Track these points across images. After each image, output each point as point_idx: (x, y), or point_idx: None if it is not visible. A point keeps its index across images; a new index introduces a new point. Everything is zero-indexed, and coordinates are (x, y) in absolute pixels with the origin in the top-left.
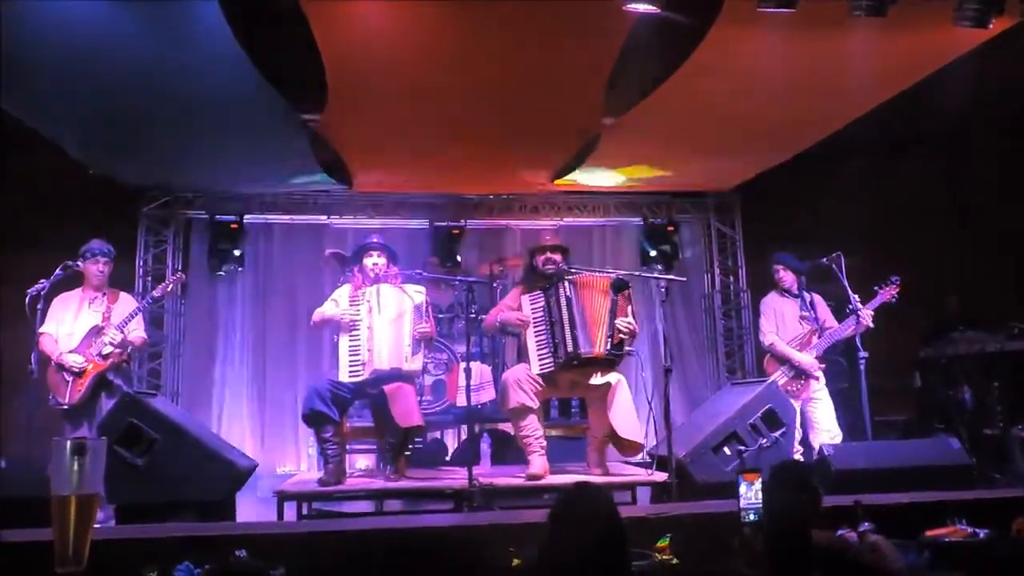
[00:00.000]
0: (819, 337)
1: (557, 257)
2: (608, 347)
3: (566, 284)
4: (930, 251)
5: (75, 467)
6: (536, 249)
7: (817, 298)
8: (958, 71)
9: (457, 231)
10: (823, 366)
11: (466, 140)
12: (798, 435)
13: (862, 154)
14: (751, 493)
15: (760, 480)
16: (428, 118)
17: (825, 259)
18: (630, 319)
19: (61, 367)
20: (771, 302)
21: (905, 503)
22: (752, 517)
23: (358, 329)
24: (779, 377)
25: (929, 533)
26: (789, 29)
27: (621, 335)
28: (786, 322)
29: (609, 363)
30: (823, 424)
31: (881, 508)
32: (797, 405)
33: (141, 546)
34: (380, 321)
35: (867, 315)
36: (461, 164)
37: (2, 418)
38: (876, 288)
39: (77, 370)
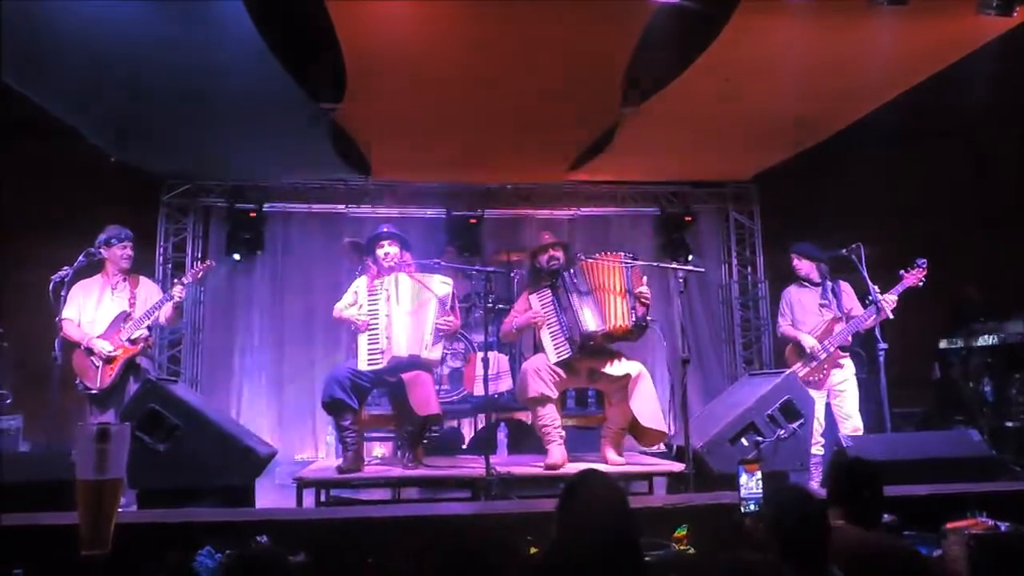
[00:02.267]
0: (842, 325)
1: (559, 254)
2: (634, 319)
3: (571, 272)
4: (951, 241)
5: (99, 452)
6: (537, 249)
7: (844, 286)
8: (981, 59)
9: (474, 220)
10: (846, 355)
11: (484, 129)
12: (820, 428)
13: (883, 142)
14: (752, 483)
15: (760, 471)
16: (446, 107)
17: (844, 250)
18: (645, 288)
19: (91, 351)
20: (788, 293)
21: (925, 495)
22: (752, 507)
23: (377, 319)
24: (799, 368)
25: (949, 525)
26: (809, 18)
27: (645, 303)
28: (805, 312)
29: (631, 334)
30: (848, 416)
31: (901, 500)
32: (822, 396)
33: (163, 531)
34: (398, 310)
35: (891, 300)
36: (479, 153)
37: (25, 403)
38: (902, 272)
39: (107, 356)
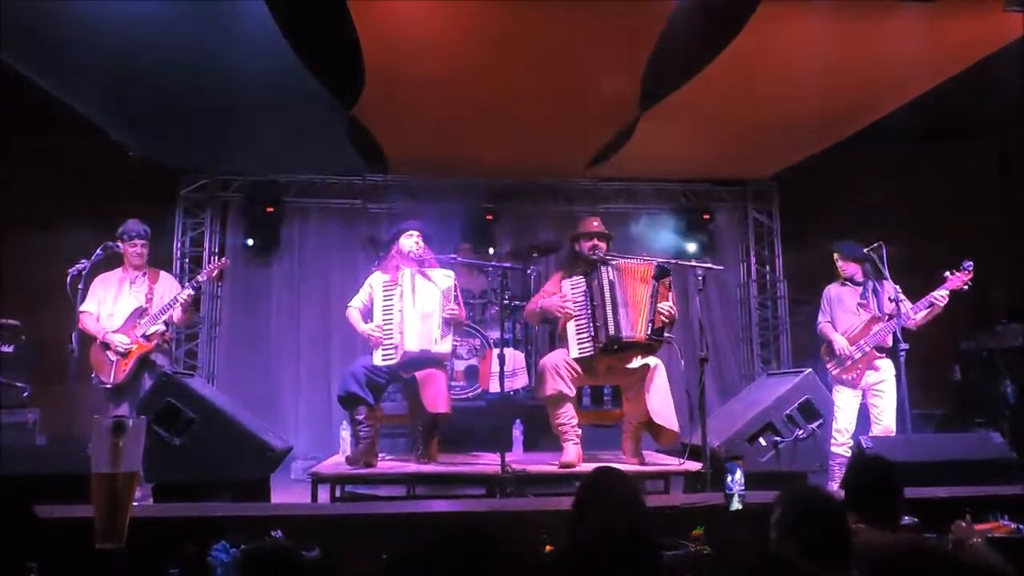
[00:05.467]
0: (880, 325)
1: (602, 244)
2: (649, 331)
3: (609, 268)
4: (973, 241)
5: (115, 446)
6: (581, 235)
7: (888, 286)
8: (1007, 57)
9: (491, 217)
10: (883, 355)
11: (502, 125)
12: (851, 428)
13: (907, 141)
14: (740, 476)
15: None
16: (465, 103)
17: (866, 249)
18: (670, 304)
19: (106, 346)
20: (828, 291)
21: (945, 497)
22: (737, 505)
23: (391, 315)
24: (832, 367)
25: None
26: (834, 14)
27: (663, 319)
28: (844, 310)
29: (648, 348)
30: (880, 419)
31: (921, 502)
32: (857, 395)
33: (179, 525)
34: (411, 305)
35: (942, 296)
36: (497, 149)
37: (43, 397)
38: (946, 274)
39: (122, 351)
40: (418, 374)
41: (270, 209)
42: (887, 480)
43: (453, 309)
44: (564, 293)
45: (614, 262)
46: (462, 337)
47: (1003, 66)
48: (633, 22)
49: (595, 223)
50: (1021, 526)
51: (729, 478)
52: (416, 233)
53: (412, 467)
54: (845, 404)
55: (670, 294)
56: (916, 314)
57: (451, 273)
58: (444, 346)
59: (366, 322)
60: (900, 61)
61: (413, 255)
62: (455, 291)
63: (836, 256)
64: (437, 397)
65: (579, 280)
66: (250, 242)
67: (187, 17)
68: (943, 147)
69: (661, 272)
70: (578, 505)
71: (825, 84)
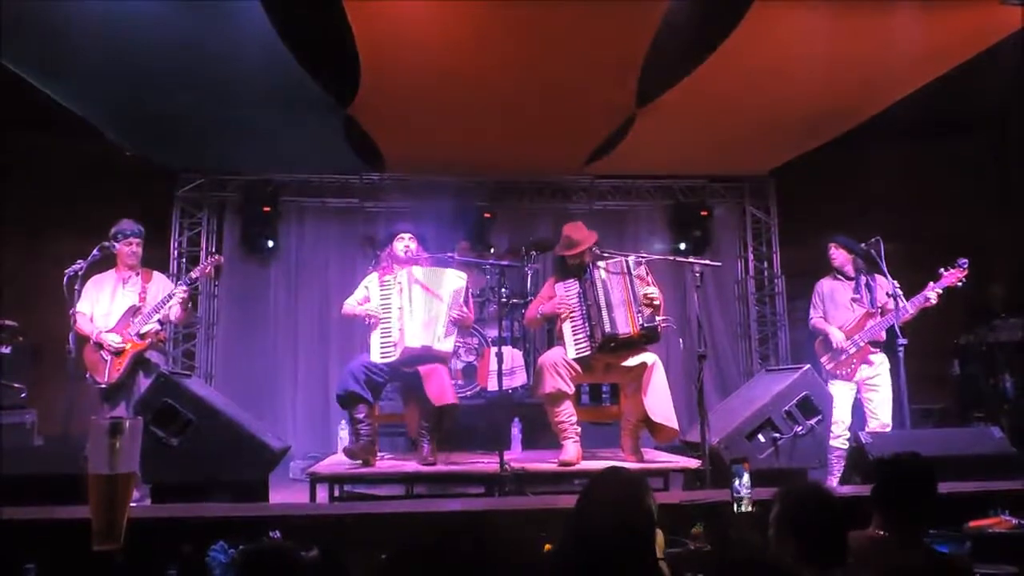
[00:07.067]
0: (874, 320)
1: (584, 254)
2: (640, 323)
3: (599, 268)
4: (971, 236)
5: (112, 446)
6: (566, 256)
7: (880, 281)
8: (1005, 51)
9: (489, 215)
10: (877, 350)
11: (499, 123)
12: (846, 422)
13: (903, 137)
14: (748, 479)
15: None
16: (461, 101)
17: (864, 244)
18: (652, 288)
19: (99, 346)
20: (821, 285)
21: (946, 493)
22: (744, 507)
23: (389, 312)
24: (826, 361)
25: (972, 524)
26: (829, 8)
27: (651, 304)
28: (836, 305)
29: (647, 339)
30: (876, 413)
31: None
32: (851, 388)
33: (176, 525)
34: (410, 303)
35: (932, 297)
36: (494, 147)
37: (41, 397)
38: (941, 270)
39: (115, 349)
40: (420, 368)
41: (267, 208)
42: (926, 482)
43: (462, 311)
44: (559, 297)
45: (602, 263)
46: (461, 336)
47: (1001, 60)
48: (630, 18)
49: (578, 237)
50: (1022, 521)
51: (736, 481)
52: (407, 236)
53: (411, 466)
54: (840, 396)
55: (649, 276)
56: (912, 310)
57: (463, 275)
58: (446, 344)
59: (367, 321)
60: (897, 56)
61: (409, 256)
62: (466, 293)
63: (830, 245)
64: (443, 389)
65: (572, 283)
66: (247, 241)
67: (184, 17)
68: (941, 142)
69: (635, 263)
70: (583, 502)
71: (822, 79)
